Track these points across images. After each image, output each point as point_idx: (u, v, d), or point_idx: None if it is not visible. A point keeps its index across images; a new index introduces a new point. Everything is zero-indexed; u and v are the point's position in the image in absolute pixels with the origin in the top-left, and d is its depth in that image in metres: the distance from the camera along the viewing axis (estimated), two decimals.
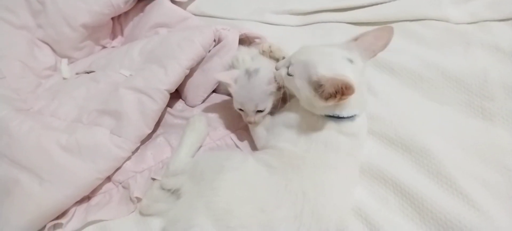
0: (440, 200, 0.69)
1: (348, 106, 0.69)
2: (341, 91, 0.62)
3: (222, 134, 0.89)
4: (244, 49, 0.94)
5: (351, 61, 0.67)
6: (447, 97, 0.83)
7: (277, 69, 0.78)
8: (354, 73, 0.65)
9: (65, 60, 1.10)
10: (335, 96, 0.63)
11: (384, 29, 0.69)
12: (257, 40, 1.01)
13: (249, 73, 0.80)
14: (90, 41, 1.14)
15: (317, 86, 0.65)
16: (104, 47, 1.19)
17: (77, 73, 1.05)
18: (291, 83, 0.72)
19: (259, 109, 0.80)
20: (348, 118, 0.70)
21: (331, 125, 0.70)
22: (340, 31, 1.05)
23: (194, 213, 0.66)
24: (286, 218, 0.65)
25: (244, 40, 1.01)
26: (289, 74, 0.72)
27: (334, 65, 0.65)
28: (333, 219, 0.68)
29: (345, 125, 0.70)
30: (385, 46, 0.69)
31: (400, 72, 0.89)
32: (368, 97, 0.75)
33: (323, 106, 0.68)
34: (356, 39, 0.70)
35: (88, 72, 1.03)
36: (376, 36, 0.69)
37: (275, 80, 0.79)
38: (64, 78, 1.05)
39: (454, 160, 0.74)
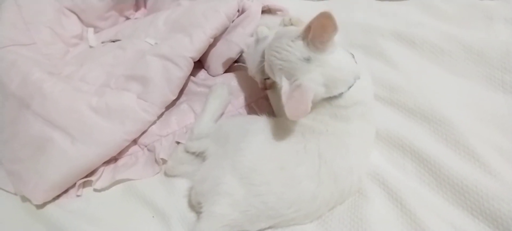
0: (457, 167, 0.71)
1: (326, 90, 0.68)
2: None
3: (244, 102, 0.91)
4: (268, 18, 0.96)
5: (308, 60, 0.66)
6: (468, 71, 0.84)
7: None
8: (312, 72, 0.66)
9: (91, 29, 1.13)
10: None
11: (322, 16, 0.62)
12: (279, 12, 1.03)
13: (257, 41, 0.83)
14: (114, 12, 1.17)
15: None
16: (127, 18, 1.21)
17: (103, 42, 1.09)
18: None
19: (265, 77, 0.81)
20: (334, 96, 0.69)
21: (324, 102, 0.70)
22: (361, 6, 1.06)
23: (221, 172, 0.70)
24: (305, 176, 0.68)
25: (267, 13, 1.02)
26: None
27: (293, 72, 0.67)
28: (350, 180, 0.71)
29: (338, 101, 0.69)
30: (333, 34, 0.64)
31: (421, 46, 0.89)
32: (354, 68, 0.71)
33: None
34: (309, 28, 0.65)
35: (113, 41, 1.06)
36: (321, 26, 0.63)
37: None
38: (91, 47, 1.09)
39: (472, 130, 0.75)
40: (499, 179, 0.68)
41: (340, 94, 0.69)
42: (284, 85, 0.67)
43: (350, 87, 0.69)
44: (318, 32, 0.64)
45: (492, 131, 0.76)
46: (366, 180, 0.75)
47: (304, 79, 0.65)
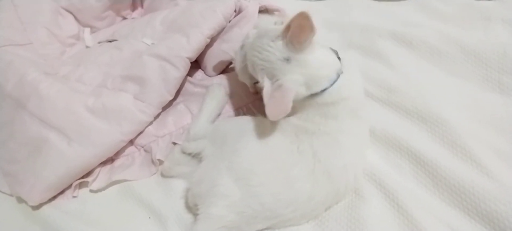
0: (454, 168, 0.71)
1: (307, 89, 0.69)
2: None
3: (241, 103, 0.91)
4: (265, 18, 0.96)
5: (288, 60, 0.67)
6: (465, 72, 0.84)
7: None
8: (292, 72, 0.67)
9: (87, 29, 1.13)
10: None
11: (300, 17, 0.62)
12: (276, 13, 1.02)
13: (242, 46, 0.82)
14: (111, 12, 1.16)
15: None
16: (124, 18, 1.21)
17: (99, 42, 1.08)
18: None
19: (254, 81, 0.81)
20: (318, 93, 0.69)
21: (311, 101, 0.70)
22: (359, 6, 1.06)
23: (218, 174, 0.70)
24: (301, 176, 0.68)
25: (264, 13, 1.02)
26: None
27: (274, 72, 0.68)
28: (345, 178, 0.71)
29: (323, 98, 0.70)
30: (310, 35, 0.64)
31: (419, 46, 0.89)
32: (336, 64, 0.71)
33: None
34: (288, 27, 0.65)
35: (110, 41, 1.06)
36: (299, 27, 0.63)
37: None
38: (87, 47, 1.08)
39: (469, 131, 0.75)
40: (496, 180, 0.68)
41: (324, 91, 0.69)
42: (266, 85, 0.68)
43: (333, 83, 0.69)
44: (296, 32, 0.64)
45: (489, 132, 0.76)
46: (362, 179, 0.75)
47: (285, 80, 0.66)
